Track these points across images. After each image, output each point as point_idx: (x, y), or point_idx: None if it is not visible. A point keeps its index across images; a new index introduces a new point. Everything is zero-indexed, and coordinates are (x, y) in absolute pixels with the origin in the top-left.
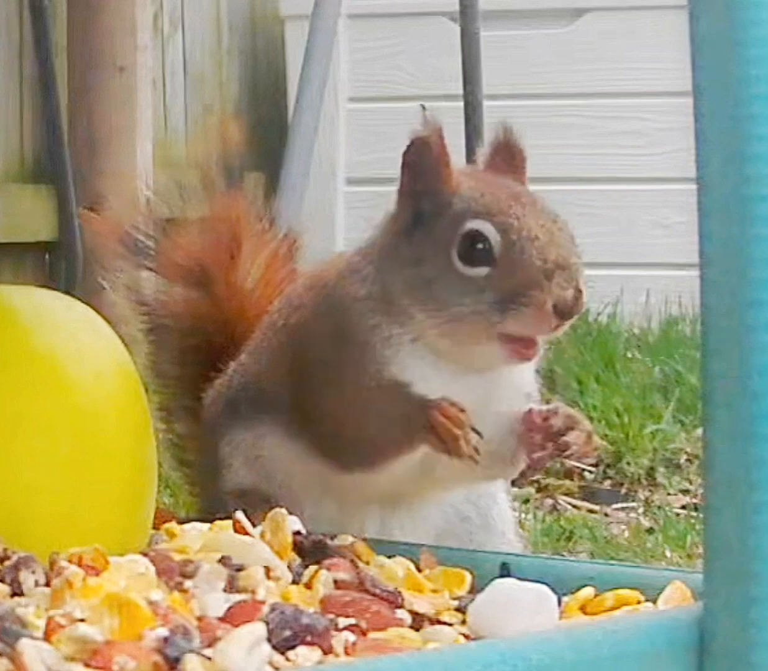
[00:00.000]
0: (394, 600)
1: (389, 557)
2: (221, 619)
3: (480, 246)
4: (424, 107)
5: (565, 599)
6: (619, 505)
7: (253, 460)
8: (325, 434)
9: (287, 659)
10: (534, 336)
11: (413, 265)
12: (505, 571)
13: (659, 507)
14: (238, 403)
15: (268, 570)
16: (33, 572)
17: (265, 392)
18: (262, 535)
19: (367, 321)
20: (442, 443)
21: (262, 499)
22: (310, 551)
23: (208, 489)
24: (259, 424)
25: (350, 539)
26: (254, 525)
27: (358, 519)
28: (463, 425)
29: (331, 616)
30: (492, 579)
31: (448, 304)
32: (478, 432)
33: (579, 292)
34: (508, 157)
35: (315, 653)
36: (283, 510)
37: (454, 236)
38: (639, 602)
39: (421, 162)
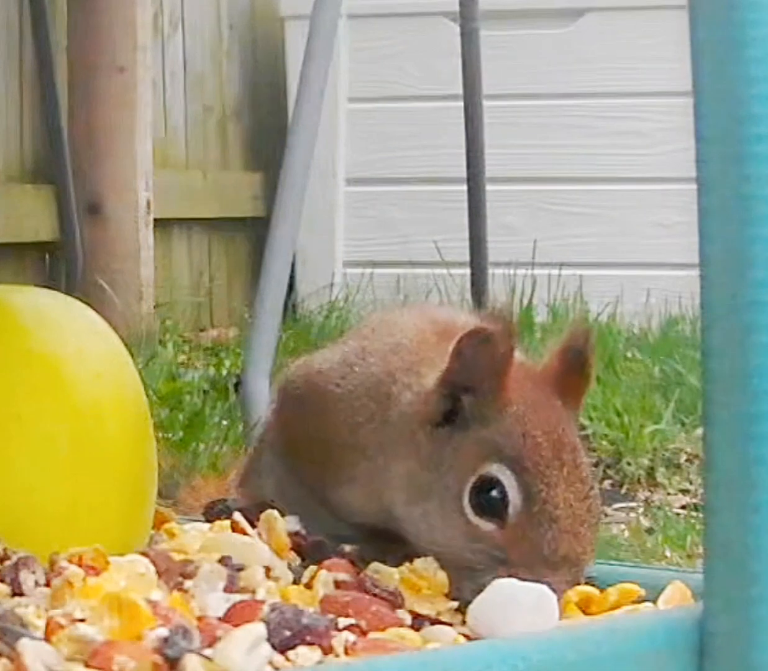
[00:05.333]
0: (394, 600)
1: None
2: (221, 619)
3: (494, 494)
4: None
5: (565, 599)
6: (619, 505)
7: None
8: None
9: (287, 659)
10: None
11: (425, 469)
12: None
13: (659, 507)
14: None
15: (268, 570)
16: (33, 572)
17: None
18: (260, 536)
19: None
20: None
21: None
22: (310, 551)
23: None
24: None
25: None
26: (253, 526)
27: None
28: None
29: (331, 616)
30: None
31: (449, 543)
32: None
33: (576, 585)
34: (576, 363)
35: (315, 653)
36: (275, 512)
37: (474, 470)
38: (639, 596)
39: (476, 357)
